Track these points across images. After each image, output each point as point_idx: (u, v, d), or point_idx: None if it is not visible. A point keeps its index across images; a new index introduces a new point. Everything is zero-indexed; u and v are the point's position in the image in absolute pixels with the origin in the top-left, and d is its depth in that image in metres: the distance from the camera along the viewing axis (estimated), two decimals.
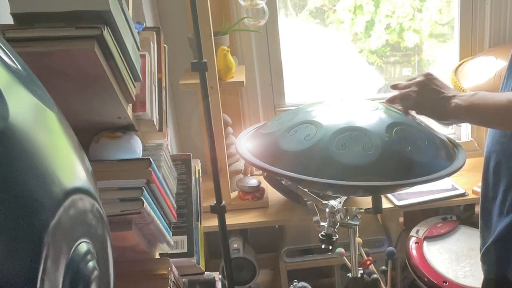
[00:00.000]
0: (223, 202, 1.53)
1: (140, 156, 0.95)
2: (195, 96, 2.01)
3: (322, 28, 2.68)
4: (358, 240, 1.39)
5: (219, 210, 1.53)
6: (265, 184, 2.02)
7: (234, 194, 2.00)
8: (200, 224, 1.23)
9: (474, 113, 1.04)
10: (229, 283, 1.65)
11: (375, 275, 1.45)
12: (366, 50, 2.68)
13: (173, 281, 1.01)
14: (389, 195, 1.93)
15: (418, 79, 1.13)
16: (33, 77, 0.49)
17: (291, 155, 1.13)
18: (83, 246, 0.47)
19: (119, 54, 0.78)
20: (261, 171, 1.62)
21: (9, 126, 0.38)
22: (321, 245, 1.29)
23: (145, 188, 0.84)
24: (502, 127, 1.10)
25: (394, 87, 1.21)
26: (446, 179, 1.22)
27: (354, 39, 2.71)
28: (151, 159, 0.85)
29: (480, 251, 1.19)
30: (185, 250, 1.13)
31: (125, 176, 0.83)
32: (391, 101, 1.20)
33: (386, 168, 1.11)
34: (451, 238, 1.87)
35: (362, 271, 1.45)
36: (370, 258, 1.53)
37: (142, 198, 0.82)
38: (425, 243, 1.85)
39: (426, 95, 1.11)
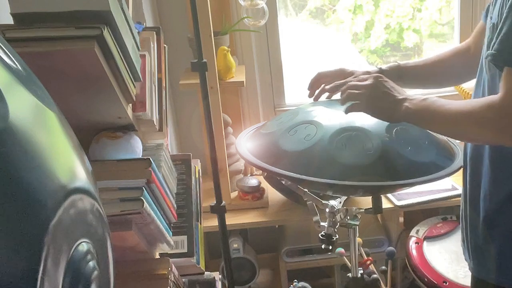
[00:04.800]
0: (223, 202, 1.53)
1: (140, 156, 0.95)
2: (195, 96, 2.01)
3: (322, 28, 2.68)
4: (358, 240, 1.39)
5: (219, 210, 1.53)
6: (265, 184, 2.02)
7: (234, 194, 2.00)
8: (200, 224, 1.23)
9: (423, 118, 1.03)
10: (229, 283, 1.65)
11: (375, 275, 1.45)
12: (366, 50, 2.68)
13: (173, 281, 1.01)
14: (389, 195, 1.93)
15: (369, 81, 1.09)
16: (33, 77, 0.49)
17: (291, 155, 1.13)
18: (83, 246, 0.47)
19: (119, 54, 0.78)
20: (261, 171, 1.62)
21: (9, 126, 0.38)
22: (321, 245, 1.29)
23: (145, 188, 0.84)
24: (448, 135, 1.11)
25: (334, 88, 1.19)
26: (446, 179, 1.21)
27: (354, 39, 2.71)
28: (151, 159, 0.85)
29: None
30: (185, 250, 1.13)
31: (125, 176, 0.83)
32: (343, 101, 1.14)
33: (386, 168, 1.11)
34: (451, 238, 1.87)
35: (362, 271, 1.45)
36: (370, 258, 1.53)
37: (142, 198, 0.82)
38: (425, 243, 1.85)
39: (377, 98, 1.07)
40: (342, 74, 1.30)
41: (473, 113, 0.94)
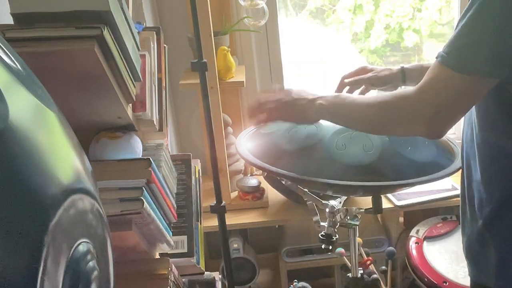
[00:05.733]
0: (223, 202, 1.53)
1: (140, 156, 0.95)
2: (195, 96, 2.01)
3: (322, 28, 2.68)
4: (358, 240, 1.39)
5: (219, 210, 1.53)
6: (265, 184, 2.02)
7: (234, 194, 2.00)
8: (200, 224, 1.23)
9: (338, 112, 1.04)
10: (229, 283, 1.65)
11: (375, 275, 1.45)
12: (366, 50, 2.68)
13: (173, 281, 1.01)
14: (389, 195, 1.93)
15: (277, 96, 1.13)
16: (33, 77, 0.49)
17: (291, 155, 1.13)
18: (83, 246, 0.47)
19: (119, 54, 0.78)
20: (261, 171, 1.62)
21: (9, 126, 0.38)
22: (321, 245, 1.29)
23: (145, 188, 0.84)
24: (365, 131, 1.09)
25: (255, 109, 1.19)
26: (446, 179, 1.21)
27: (354, 39, 2.71)
28: (151, 159, 0.85)
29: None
30: (185, 250, 1.13)
31: (125, 176, 0.83)
32: (256, 122, 1.19)
33: (386, 168, 1.11)
34: (451, 238, 1.87)
35: (362, 271, 1.45)
36: (370, 258, 1.53)
37: (142, 198, 0.82)
38: (425, 243, 1.85)
39: (288, 104, 1.10)
40: (364, 71, 1.36)
41: (385, 104, 0.95)
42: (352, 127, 1.10)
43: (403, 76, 1.32)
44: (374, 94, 1.01)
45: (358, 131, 1.12)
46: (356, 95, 1.01)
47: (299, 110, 1.08)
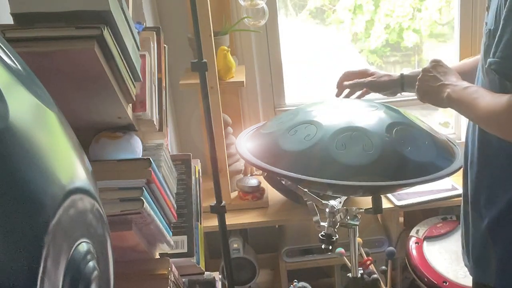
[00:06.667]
0: (223, 202, 1.53)
1: (140, 156, 0.95)
2: (195, 96, 2.01)
3: (322, 28, 2.68)
4: (358, 240, 1.39)
5: (219, 210, 1.53)
6: (265, 184, 2.02)
7: (234, 194, 2.00)
8: (200, 224, 1.23)
9: (461, 108, 1.04)
10: (229, 283, 1.65)
11: (375, 275, 1.45)
12: (366, 50, 2.68)
13: (173, 281, 1.01)
14: (389, 195, 1.93)
15: (425, 66, 1.14)
16: (33, 77, 0.49)
17: (291, 155, 1.13)
18: (83, 246, 0.47)
19: (119, 54, 0.78)
20: (261, 171, 1.62)
21: (9, 126, 0.38)
22: (321, 245, 1.29)
23: (145, 188, 0.84)
24: (490, 130, 1.04)
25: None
26: (446, 179, 1.21)
27: (354, 39, 2.71)
28: (151, 159, 0.85)
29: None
30: (185, 250, 1.13)
31: (125, 176, 0.83)
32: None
33: (386, 168, 1.11)
34: (451, 238, 1.87)
35: (362, 271, 1.45)
36: (370, 258, 1.53)
37: (142, 198, 0.82)
38: (425, 243, 1.85)
39: (425, 81, 1.12)
40: (364, 74, 1.38)
41: (498, 113, 0.92)
42: (478, 124, 1.08)
43: (402, 82, 1.32)
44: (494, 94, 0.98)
45: (484, 129, 1.08)
46: (483, 91, 0.99)
47: (431, 91, 1.10)
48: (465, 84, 1.04)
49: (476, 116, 1.00)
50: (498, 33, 0.88)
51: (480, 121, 1.00)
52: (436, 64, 1.12)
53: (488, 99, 0.96)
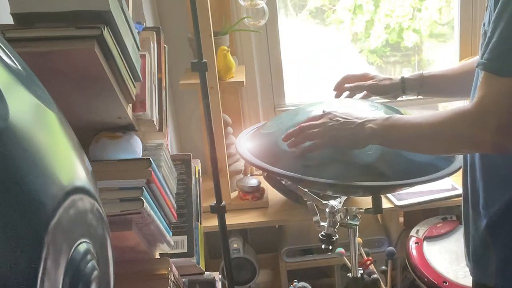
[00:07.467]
0: (223, 202, 1.53)
1: (140, 156, 0.95)
2: (195, 96, 2.01)
3: (322, 28, 2.68)
4: (358, 240, 1.39)
5: (219, 210, 1.53)
6: (265, 184, 2.02)
7: (234, 194, 2.00)
8: (200, 224, 1.23)
9: (390, 136, 1.00)
10: (229, 283, 1.65)
11: (375, 275, 1.45)
12: (366, 50, 2.68)
13: (173, 281, 1.01)
14: (389, 195, 1.93)
15: (322, 119, 1.09)
16: (33, 77, 0.49)
17: (291, 155, 1.12)
18: (83, 246, 0.47)
19: (119, 54, 0.78)
20: (261, 171, 1.62)
21: (9, 126, 0.38)
22: (321, 245, 1.29)
23: (145, 188, 0.84)
24: (421, 152, 1.04)
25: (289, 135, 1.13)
26: (446, 179, 1.21)
27: (354, 39, 2.71)
28: (151, 159, 0.85)
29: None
30: (185, 250, 1.13)
31: (125, 176, 0.83)
32: (301, 152, 1.11)
33: (386, 168, 1.11)
34: (451, 238, 1.87)
35: (362, 271, 1.45)
36: (370, 258, 1.53)
37: (142, 198, 0.82)
38: (425, 243, 1.85)
39: (336, 130, 1.05)
40: (365, 77, 1.36)
41: (444, 123, 0.91)
42: (408, 150, 1.06)
43: (403, 86, 1.32)
44: (429, 112, 0.94)
45: (415, 153, 1.07)
46: (406, 116, 0.97)
47: (348, 134, 1.04)
48: (383, 115, 1.02)
49: (418, 135, 0.96)
50: (488, 34, 0.88)
51: (425, 140, 0.97)
52: (331, 114, 1.08)
53: (429, 115, 0.95)
